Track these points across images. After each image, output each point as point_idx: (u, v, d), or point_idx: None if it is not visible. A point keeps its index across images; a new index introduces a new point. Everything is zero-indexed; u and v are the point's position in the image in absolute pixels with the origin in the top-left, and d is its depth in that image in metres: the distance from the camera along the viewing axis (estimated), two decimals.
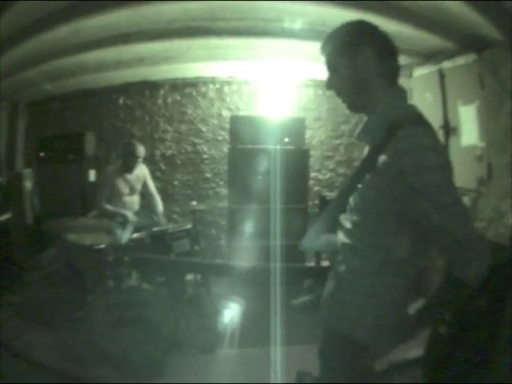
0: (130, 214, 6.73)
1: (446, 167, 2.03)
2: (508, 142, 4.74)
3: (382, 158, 2.02)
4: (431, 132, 2.08)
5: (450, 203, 1.93)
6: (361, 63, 2.15)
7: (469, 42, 5.09)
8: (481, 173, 5.11)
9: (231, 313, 5.55)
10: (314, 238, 2.37)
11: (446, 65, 5.72)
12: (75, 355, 4.69)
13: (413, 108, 2.21)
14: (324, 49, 2.25)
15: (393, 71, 2.24)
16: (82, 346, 4.75)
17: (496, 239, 4.69)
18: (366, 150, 2.27)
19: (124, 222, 6.38)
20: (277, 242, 6.05)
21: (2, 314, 5.34)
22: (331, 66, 2.25)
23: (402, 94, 2.27)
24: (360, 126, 2.27)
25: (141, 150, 6.89)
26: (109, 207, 6.74)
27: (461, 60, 5.40)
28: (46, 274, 6.07)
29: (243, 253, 6.87)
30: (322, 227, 2.34)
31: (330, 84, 2.28)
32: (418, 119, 2.10)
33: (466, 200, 5.43)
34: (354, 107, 2.30)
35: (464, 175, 5.48)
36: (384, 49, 2.19)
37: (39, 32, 4.75)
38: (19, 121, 7.89)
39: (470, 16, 4.33)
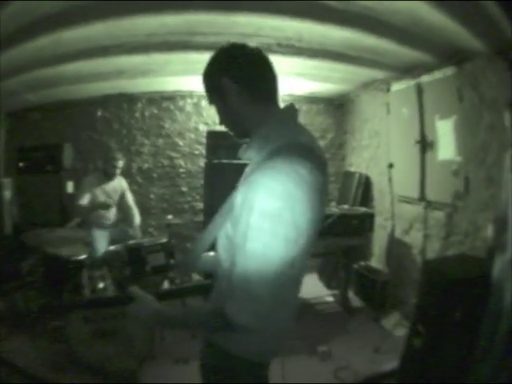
0: (107, 200, 6.82)
1: (280, 224, 1.83)
2: (485, 155, 4.81)
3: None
4: (301, 166, 1.86)
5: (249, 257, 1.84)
6: (225, 95, 2.05)
7: (448, 54, 5.12)
8: (457, 187, 5.16)
9: None
10: (196, 259, 2.37)
11: (425, 79, 5.79)
12: (55, 363, 4.72)
13: (296, 133, 2.08)
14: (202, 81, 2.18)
15: (267, 94, 2.11)
16: (60, 355, 4.78)
17: (472, 252, 4.74)
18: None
19: (102, 222, 6.56)
20: None
21: None
22: (210, 100, 2.18)
23: (286, 116, 2.12)
24: (243, 146, 2.14)
25: (119, 155, 6.91)
26: (85, 204, 6.70)
27: (439, 74, 5.46)
28: (25, 283, 6.04)
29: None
30: (203, 246, 2.29)
31: (218, 117, 2.20)
32: (293, 150, 1.92)
33: (441, 215, 5.50)
34: (237, 136, 2.19)
35: (440, 190, 5.56)
36: (246, 74, 2.05)
37: (20, 42, 4.76)
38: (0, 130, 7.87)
39: (450, 27, 4.31)
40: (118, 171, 6.98)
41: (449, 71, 5.31)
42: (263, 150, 2.00)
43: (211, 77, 2.10)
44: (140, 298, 2.14)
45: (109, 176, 6.91)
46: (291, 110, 2.15)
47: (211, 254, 2.55)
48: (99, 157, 7.15)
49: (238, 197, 1.99)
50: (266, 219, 1.80)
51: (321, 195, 1.95)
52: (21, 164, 7.89)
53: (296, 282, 2.17)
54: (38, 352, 4.93)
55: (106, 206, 6.72)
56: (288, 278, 1.96)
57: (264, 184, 1.82)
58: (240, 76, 2.03)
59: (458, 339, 3.87)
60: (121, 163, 6.94)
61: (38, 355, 4.88)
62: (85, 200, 6.69)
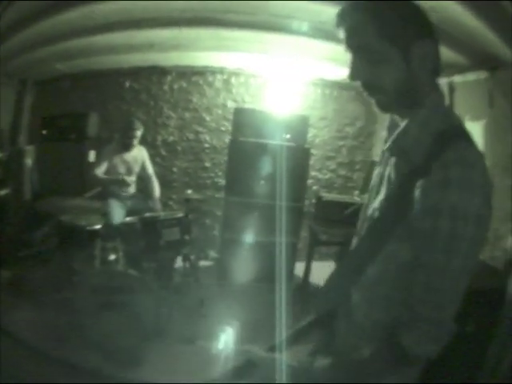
0: (126, 178, 6.80)
1: (484, 222, 1.58)
2: None
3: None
4: (479, 154, 1.61)
5: (455, 269, 1.55)
6: (418, 58, 1.65)
7: (481, 58, 5.04)
8: None
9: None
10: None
11: (457, 79, 5.67)
12: (58, 335, 4.69)
13: (456, 117, 1.77)
14: (358, 29, 1.66)
15: (439, 68, 1.76)
16: (65, 327, 4.76)
17: (491, 262, 4.61)
18: (393, 167, 1.80)
19: (120, 193, 6.62)
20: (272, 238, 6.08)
21: None
22: (372, 54, 1.66)
23: (443, 97, 1.78)
24: (392, 136, 1.76)
25: (137, 124, 6.93)
26: (103, 176, 6.75)
27: (472, 76, 5.36)
28: (38, 252, 6.04)
29: (234, 246, 6.86)
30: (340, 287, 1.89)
31: (362, 74, 1.70)
32: (467, 135, 1.66)
33: None
34: (388, 107, 1.79)
35: None
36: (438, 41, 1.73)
37: (53, 14, 4.74)
38: (26, 98, 7.84)
39: (485, 34, 4.26)
40: (136, 142, 6.99)
41: (481, 75, 5.19)
42: (426, 128, 1.66)
43: (406, 36, 1.63)
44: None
45: (126, 147, 6.94)
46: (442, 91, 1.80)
47: None
48: (118, 128, 7.10)
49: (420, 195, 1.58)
50: (468, 223, 1.51)
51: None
52: (44, 132, 7.88)
53: None
54: (42, 324, 4.91)
55: (124, 183, 6.70)
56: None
57: (457, 179, 1.49)
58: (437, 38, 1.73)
59: (467, 353, 3.75)
60: (138, 133, 6.95)
61: (44, 327, 4.85)
62: (101, 169, 6.72)
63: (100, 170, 6.71)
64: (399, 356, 1.63)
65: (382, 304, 1.78)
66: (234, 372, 1.86)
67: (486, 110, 5.07)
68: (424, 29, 1.69)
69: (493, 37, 4.23)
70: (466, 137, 1.64)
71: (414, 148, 1.67)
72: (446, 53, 5.19)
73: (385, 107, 1.77)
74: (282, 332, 1.89)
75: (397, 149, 1.76)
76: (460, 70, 5.53)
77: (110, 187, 6.77)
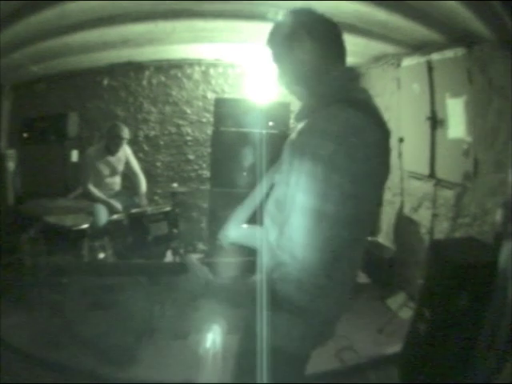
0: (117, 205, 6.64)
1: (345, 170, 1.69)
2: (494, 139, 4.70)
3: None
4: (357, 117, 1.79)
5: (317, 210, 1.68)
6: (302, 56, 1.98)
7: (458, 36, 5.03)
8: (467, 167, 5.05)
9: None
10: (235, 229, 2.28)
11: (435, 57, 5.65)
12: (49, 338, 4.67)
13: (358, 91, 2.03)
14: (268, 42, 2.10)
15: (336, 53, 2.06)
16: (56, 330, 4.73)
17: (480, 237, 4.64)
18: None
19: (108, 192, 6.64)
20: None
21: None
22: (276, 59, 2.08)
23: (348, 74, 2.08)
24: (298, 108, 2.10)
25: (126, 132, 6.83)
26: (96, 192, 6.66)
27: (449, 53, 5.34)
28: (24, 256, 5.98)
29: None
30: (242, 217, 2.26)
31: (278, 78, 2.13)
32: (349, 102, 1.85)
33: (450, 194, 5.41)
34: (301, 98, 2.11)
35: (450, 168, 5.46)
36: (325, 38, 2.01)
37: (24, 15, 4.69)
38: (4, 103, 7.76)
39: (461, 11, 4.27)
40: (121, 148, 6.91)
41: (459, 52, 5.17)
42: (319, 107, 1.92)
43: (289, 39, 2.02)
44: (194, 268, 1.95)
45: (111, 152, 6.85)
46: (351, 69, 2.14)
47: (245, 226, 2.45)
48: (104, 132, 7.01)
49: (286, 152, 1.92)
50: (318, 163, 1.67)
51: (379, 151, 1.84)
52: (25, 135, 7.80)
53: (353, 252, 1.95)
54: (35, 328, 4.86)
55: (112, 207, 6.59)
56: (343, 242, 1.76)
57: (316, 127, 1.78)
58: (322, 36, 2.02)
59: (462, 326, 3.81)
60: (125, 141, 6.88)
61: (35, 332, 4.81)
62: (90, 179, 6.66)
63: (91, 185, 6.66)
64: (273, 299, 1.77)
65: (271, 248, 1.93)
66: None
67: (466, 86, 5.07)
68: (305, 31, 2.02)
69: (468, 13, 4.24)
70: (345, 102, 1.84)
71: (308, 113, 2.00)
72: (423, 31, 5.19)
73: (300, 99, 2.16)
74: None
75: (299, 116, 2.09)
76: (437, 47, 5.52)
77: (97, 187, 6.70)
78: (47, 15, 4.78)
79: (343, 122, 1.73)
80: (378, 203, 2.02)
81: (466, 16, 4.31)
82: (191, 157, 8.69)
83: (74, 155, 7.92)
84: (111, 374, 4.36)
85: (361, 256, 2.06)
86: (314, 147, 1.70)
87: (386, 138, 1.93)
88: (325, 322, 2.04)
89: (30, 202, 5.49)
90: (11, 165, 7.40)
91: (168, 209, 6.34)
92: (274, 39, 2.06)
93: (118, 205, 6.65)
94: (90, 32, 5.60)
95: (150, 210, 6.30)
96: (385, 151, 1.92)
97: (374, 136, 1.78)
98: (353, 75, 2.12)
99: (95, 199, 6.55)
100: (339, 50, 2.06)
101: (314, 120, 1.85)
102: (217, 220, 6.98)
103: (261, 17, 5.36)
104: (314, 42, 1.97)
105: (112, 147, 6.79)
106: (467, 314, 3.76)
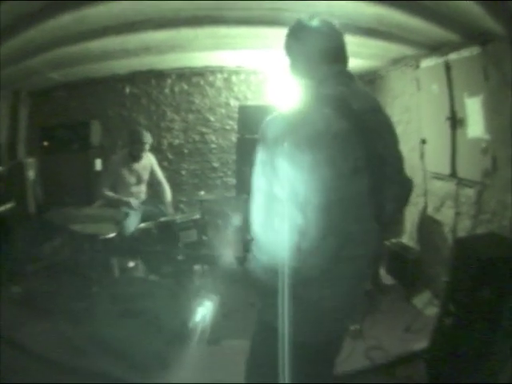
0: (133, 201, 6.64)
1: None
2: None
3: None
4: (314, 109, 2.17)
5: None
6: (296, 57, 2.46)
7: (473, 34, 5.04)
8: (486, 165, 5.06)
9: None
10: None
11: (452, 57, 5.66)
12: (76, 347, 4.64)
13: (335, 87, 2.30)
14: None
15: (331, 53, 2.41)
16: (83, 338, 4.72)
17: (499, 232, 4.71)
18: None
19: (127, 211, 6.38)
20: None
21: (3, 306, 5.27)
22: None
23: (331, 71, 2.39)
24: None
25: (147, 137, 6.82)
26: (110, 194, 6.69)
27: (465, 52, 5.35)
28: (49, 265, 6.00)
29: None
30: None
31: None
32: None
33: (471, 192, 5.41)
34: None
35: (470, 167, 5.46)
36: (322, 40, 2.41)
37: (43, 20, 4.71)
38: (21, 110, 7.82)
39: (475, 10, 4.28)
40: (144, 154, 6.91)
41: (474, 50, 5.17)
42: None
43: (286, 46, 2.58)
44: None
45: (134, 158, 6.84)
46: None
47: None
48: (126, 139, 7.06)
49: None
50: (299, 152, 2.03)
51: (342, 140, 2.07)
52: (45, 143, 7.85)
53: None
54: (59, 336, 4.84)
55: (130, 206, 6.60)
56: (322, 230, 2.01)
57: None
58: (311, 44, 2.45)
59: (485, 318, 3.84)
60: (147, 146, 6.87)
61: (59, 339, 4.79)
62: (108, 184, 6.69)
63: (107, 189, 6.68)
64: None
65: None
66: None
67: (483, 84, 5.06)
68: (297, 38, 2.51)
69: (482, 12, 4.25)
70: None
71: None
72: (439, 32, 5.19)
73: None
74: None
75: None
76: (454, 47, 5.52)
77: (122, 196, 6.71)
78: (66, 20, 4.79)
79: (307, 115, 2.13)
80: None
81: (481, 14, 4.32)
82: (216, 164, 8.72)
83: (98, 164, 7.97)
84: (139, 380, 4.35)
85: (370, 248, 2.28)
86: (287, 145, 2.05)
87: (353, 127, 2.12)
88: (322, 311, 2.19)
89: (53, 211, 5.51)
90: (31, 173, 7.38)
91: (197, 216, 6.37)
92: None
93: (135, 201, 6.68)
94: (110, 39, 5.61)
95: (179, 218, 6.32)
96: (350, 140, 2.11)
97: (336, 126, 2.05)
98: (335, 72, 2.39)
99: (111, 201, 6.59)
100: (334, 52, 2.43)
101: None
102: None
103: (283, 23, 5.39)
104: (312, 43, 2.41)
105: (135, 153, 6.79)
106: (489, 305, 3.80)
